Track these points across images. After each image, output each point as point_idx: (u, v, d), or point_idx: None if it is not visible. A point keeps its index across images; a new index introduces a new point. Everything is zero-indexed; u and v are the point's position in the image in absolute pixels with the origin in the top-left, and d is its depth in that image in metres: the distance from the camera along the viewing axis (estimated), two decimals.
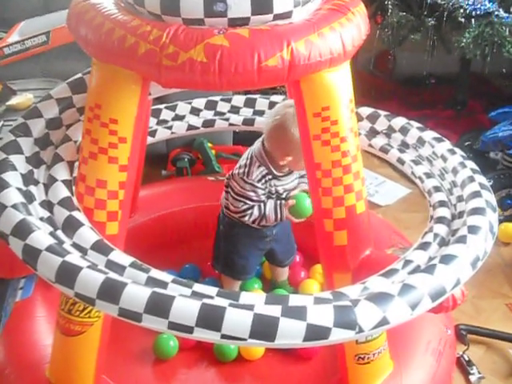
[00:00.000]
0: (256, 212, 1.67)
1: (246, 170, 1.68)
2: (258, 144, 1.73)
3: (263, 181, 1.67)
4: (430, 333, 1.62)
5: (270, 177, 1.68)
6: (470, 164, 1.55)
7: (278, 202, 1.69)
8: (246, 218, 1.68)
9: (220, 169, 2.58)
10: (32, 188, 1.31)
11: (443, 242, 1.34)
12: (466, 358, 1.79)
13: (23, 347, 1.60)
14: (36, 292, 1.76)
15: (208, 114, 2.12)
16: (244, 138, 2.79)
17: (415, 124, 1.77)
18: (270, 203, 1.69)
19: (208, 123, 2.11)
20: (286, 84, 1.68)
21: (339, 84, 1.27)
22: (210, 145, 2.66)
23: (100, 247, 1.20)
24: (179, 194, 2.23)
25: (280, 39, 1.16)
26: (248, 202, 1.67)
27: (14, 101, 2.30)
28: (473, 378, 1.74)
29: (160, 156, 2.64)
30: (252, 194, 1.67)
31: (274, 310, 1.02)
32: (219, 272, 1.90)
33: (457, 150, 1.63)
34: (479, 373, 1.75)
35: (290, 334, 1.01)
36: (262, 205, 1.68)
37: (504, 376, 1.77)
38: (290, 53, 1.15)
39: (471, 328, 1.88)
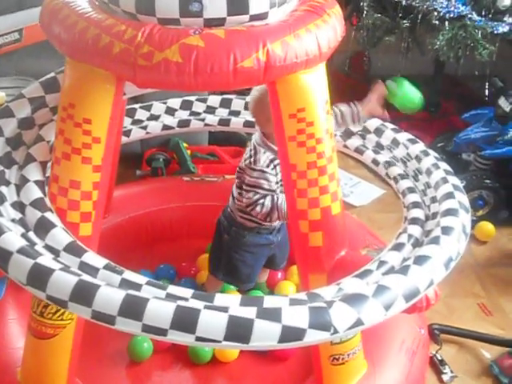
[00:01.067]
0: (268, 203, 1.61)
1: (252, 158, 1.65)
2: (256, 132, 1.70)
3: (271, 166, 1.63)
4: (404, 332, 1.63)
5: (277, 162, 1.62)
6: (444, 165, 1.57)
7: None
8: (258, 209, 1.62)
9: (195, 169, 2.58)
10: (3, 188, 1.29)
11: (417, 243, 1.35)
12: (439, 358, 1.81)
13: None
14: (7, 294, 1.73)
15: (183, 114, 2.11)
16: (219, 139, 2.79)
17: (390, 125, 1.79)
18: (283, 195, 1.63)
19: (183, 123, 2.10)
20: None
21: (315, 85, 1.27)
22: (185, 145, 2.65)
23: (73, 249, 1.19)
24: (154, 195, 2.21)
25: (256, 40, 1.15)
26: (260, 191, 1.63)
27: None
28: (445, 378, 1.76)
29: (134, 156, 2.62)
30: (263, 181, 1.62)
31: (249, 312, 1.02)
32: (221, 280, 1.86)
33: (430, 151, 1.65)
34: (452, 372, 1.77)
35: (265, 335, 1.00)
36: (274, 195, 1.63)
37: (476, 375, 1.80)
38: (266, 54, 1.15)
39: (444, 328, 1.90)
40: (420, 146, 1.67)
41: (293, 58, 1.18)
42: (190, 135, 2.64)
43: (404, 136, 1.74)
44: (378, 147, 1.77)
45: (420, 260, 1.21)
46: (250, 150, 1.68)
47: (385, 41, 2.84)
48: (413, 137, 1.73)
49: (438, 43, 2.50)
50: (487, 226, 2.38)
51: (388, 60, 3.25)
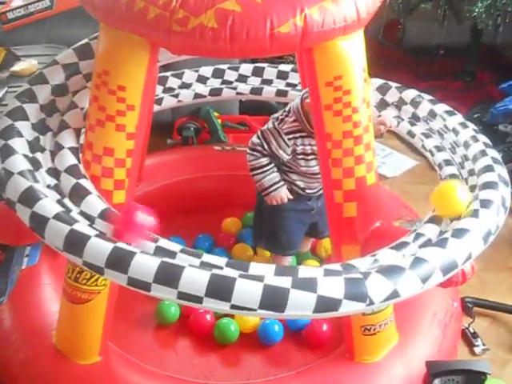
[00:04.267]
0: (264, 160, 1.66)
1: (281, 118, 1.66)
2: (297, 99, 1.68)
3: (291, 136, 1.63)
4: (436, 305, 1.62)
5: (301, 134, 1.64)
6: (483, 138, 1.53)
7: (281, 183, 1.68)
8: (248, 156, 1.68)
9: (226, 138, 2.56)
10: (38, 155, 1.30)
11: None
12: (471, 330, 1.79)
13: (29, 314, 1.60)
14: (42, 259, 1.76)
15: (215, 83, 2.09)
16: (250, 108, 2.77)
17: (427, 97, 1.74)
18: (277, 175, 1.68)
19: (215, 92, 2.08)
20: (297, 53, 1.67)
21: (352, 52, 1.24)
22: (216, 114, 2.63)
23: (108, 216, 1.19)
24: (185, 164, 2.22)
25: (293, 5, 1.12)
26: (265, 145, 1.65)
27: (17, 67, 2.25)
28: (477, 350, 1.74)
29: (165, 125, 2.61)
30: (273, 140, 1.64)
31: (284, 282, 1.01)
32: (264, 249, 1.88)
33: (469, 123, 1.61)
34: (484, 345, 1.76)
35: (300, 305, 1.00)
36: (270, 161, 1.67)
37: (509, 348, 1.78)
38: (304, 19, 1.12)
39: (477, 301, 1.88)
40: (458, 118, 1.63)
41: (331, 24, 1.15)
42: (220, 104, 2.61)
43: (441, 107, 1.68)
44: (414, 119, 1.73)
45: (458, 233, 1.18)
46: (283, 111, 1.68)
47: (420, 8, 2.76)
48: (450, 108, 1.68)
49: (477, 10, 2.43)
50: None
51: (423, 28, 3.18)
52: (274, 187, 1.69)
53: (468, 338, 1.78)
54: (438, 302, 1.63)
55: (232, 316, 1.70)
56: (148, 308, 1.77)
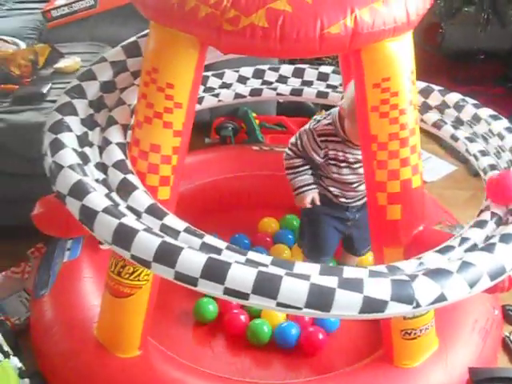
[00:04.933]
0: (298, 161, 1.69)
1: (318, 119, 1.68)
2: (337, 109, 1.69)
3: (323, 138, 1.63)
4: (477, 312, 1.61)
5: (333, 139, 1.64)
6: None
7: (311, 187, 1.69)
8: (285, 155, 1.71)
9: (263, 139, 2.57)
10: (87, 149, 1.32)
11: (500, 222, 1.31)
12: None
13: (71, 307, 1.64)
14: (82, 254, 1.79)
15: (255, 83, 2.09)
16: (288, 109, 2.77)
17: (470, 100, 1.72)
18: (309, 177, 1.69)
19: (255, 92, 2.08)
20: (340, 54, 1.66)
21: (401, 54, 1.24)
22: (253, 114, 2.64)
23: (154, 211, 1.20)
24: (224, 163, 2.23)
25: (344, 6, 1.12)
26: (299, 145, 1.67)
27: (61, 64, 2.30)
28: None
29: (204, 124, 2.63)
30: (307, 140, 1.65)
31: (331, 281, 1.01)
32: (303, 251, 1.88)
33: None
34: None
35: (346, 305, 1.00)
36: (306, 166, 1.69)
37: None
38: (354, 20, 1.12)
39: None
40: (504, 123, 1.60)
41: (381, 26, 1.15)
42: (258, 105, 2.63)
43: (486, 112, 1.66)
44: (458, 122, 1.71)
45: (506, 238, 1.17)
46: (325, 114, 1.69)
47: (463, 12, 2.74)
48: (495, 113, 1.66)
49: None
50: None
51: (464, 32, 3.14)
52: (303, 189, 1.69)
53: (508, 347, 1.75)
54: (479, 309, 1.62)
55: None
56: (186, 305, 1.80)
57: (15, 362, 1.54)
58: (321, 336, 1.69)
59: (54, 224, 1.31)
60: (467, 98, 1.73)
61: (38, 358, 1.62)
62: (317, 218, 1.76)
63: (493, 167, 1.52)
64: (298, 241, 1.91)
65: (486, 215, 1.32)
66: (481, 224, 1.29)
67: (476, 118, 1.67)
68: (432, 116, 1.76)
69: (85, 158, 1.28)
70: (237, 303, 1.72)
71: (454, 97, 1.74)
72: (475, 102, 1.71)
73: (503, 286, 1.20)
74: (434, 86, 1.78)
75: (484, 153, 1.58)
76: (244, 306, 1.76)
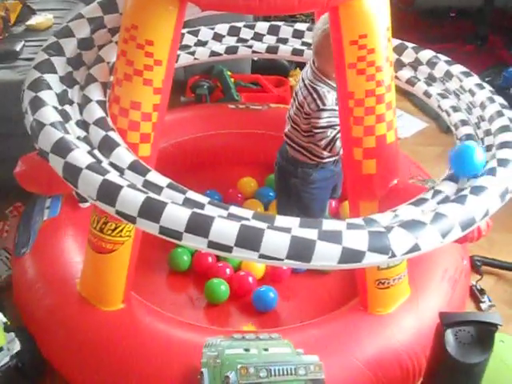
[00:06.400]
0: None
1: (318, 101, 1.66)
2: (308, 74, 1.69)
3: (336, 102, 1.60)
4: (447, 262, 1.67)
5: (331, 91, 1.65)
6: (499, 99, 1.55)
7: None
8: (338, 144, 1.65)
9: (239, 97, 2.58)
10: (67, 107, 1.32)
11: None
12: (479, 287, 1.85)
13: (53, 263, 1.66)
14: (62, 212, 1.80)
15: (231, 41, 2.07)
16: (262, 67, 2.78)
17: (443, 57, 1.75)
18: None
19: (231, 50, 2.06)
20: (317, 11, 1.67)
21: (378, 11, 1.26)
22: (229, 73, 2.64)
23: (136, 167, 1.22)
24: (200, 121, 2.24)
25: None
26: (336, 127, 1.65)
27: (33, 21, 2.26)
28: (483, 306, 1.81)
29: (179, 82, 2.60)
30: (335, 119, 1.62)
31: (311, 233, 1.05)
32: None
33: (485, 84, 1.62)
34: (490, 301, 1.82)
35: (326, 256, 1.04)
36: None
37: None
38: None
39: (485, 259, 1.94)
40: (474, 79, 1.64)
41: None
42: (233, 63, 2.62)
43: (458, 68, 1.69)
44: (430, 79, 1.74)
45: (476, 190, 1.22)
46: (309, 94, 1.68)
47: None
48: (467, 70, 1.69)
49: None
50: None
51: None
52: None
53: (475, 295, 1.84)
54: (449, 260, 1.69)
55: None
56: (160, 255, 1.86)
57: (0, 317, 1.56)
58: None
59: (36, 181, 1.32)
60: (440, 55, 1.75)
61: (23, 313, 1.64)
62: (316, 186, 1.81)
63: (464, 122, 1.56)
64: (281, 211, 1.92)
65: None
66: (452, 177, 1.34)
67: (448, 75, 1.70)
68: (406, 73, 1.79)
69: (65, 116, 1.29)
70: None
71: (427, 54, 1.76)
72: (447, 59, 1.75)
73: (472, 236, 1.26)
74: (407, 44, 1.80)
75: (455, 109, 1.62)
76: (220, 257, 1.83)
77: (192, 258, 1.87)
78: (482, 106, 1.55)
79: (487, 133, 1.47)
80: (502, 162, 1.29)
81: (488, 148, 1.40)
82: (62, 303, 1.55)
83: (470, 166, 1.28)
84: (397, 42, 1.81)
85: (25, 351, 1.53)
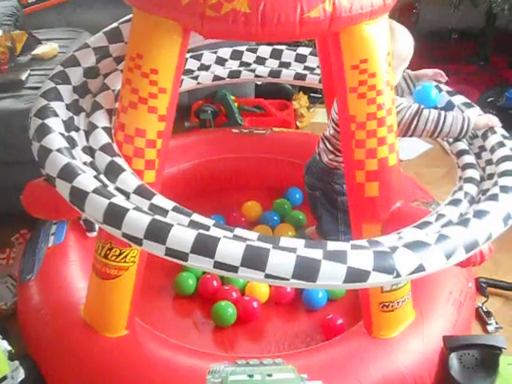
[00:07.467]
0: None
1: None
2: None
3: None
4: (451, 285, 1.67)
5: None
6: (501, 130, 1.57)
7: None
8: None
9: (242, 121, 2.61)
10: (73, 134, 1.34)
11: (473, 201, 1.38)
12: (485, 309, 1.84)
13: (57, 290, 1.66)
14: (67, 238, 1.81)
15: (234, 65, 2.11)
16: (266, 91, 2.81)
17: (445, 87, 1.77)
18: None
19: (234, 74, 2.10)
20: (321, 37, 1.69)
21: (378, 36, 1.28)
22: (232, 97, 2.67)
23: (142, 191, 1.24)
24: (204, 146, 2.26)
25: None
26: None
27: (39, 50, 2.30)
28: (490, 328, 1.79)
29: (182, 107, 2.64)
30: None
31: (316, 253, 1.06)
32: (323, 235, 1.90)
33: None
34: (497, 323, 1.81)
35: (331, 275, 1.05)
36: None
37: None
38: (332, 4, 1.16)
39: (491, 281, 1.93)
40: (476, 110, 1.66)
41: (358, 9, 1.19)
42: (236, 87, 2.66)
43: (459, 99, 1.72)
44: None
45: (479, 214, 1.24)
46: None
47: None
48: (468, 100, 1.71)
49: None
50: None
51: (437, 12, 3.20)
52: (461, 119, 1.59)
53: (481, 317, 1.83)
54: (454, 282, 1.68)
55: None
56: (165, 281, 1.86)
57: (5, 345, 1.56)
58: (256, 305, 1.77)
59: (43, 207, 1.33)
60: (441, 86, 1.77)
61: (27, 341, 1.64)
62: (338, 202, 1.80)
63: (465, 152, 1.59)
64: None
65: (460, 195, 1.40)
66: (455, 202, 1.36)
67: (450, 106, 1.71)
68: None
69: (72, 142, 1.31)
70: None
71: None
72: (449, 89, 1.76)
73: (475, 259, 1.27)
74: (408, 71, 1.82)
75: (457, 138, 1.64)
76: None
77: (197, 282, 1.87)
78: (484, 137, 1.57)
79: (489, 162, 1.50)
80: (504, 189, 1.33)
81: (489, 176, 1.44)
82: (66, 330, 1.55)
83: (427, 99, 1.59)
84: None
85: (29, 380, 1.52)
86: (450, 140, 1.66)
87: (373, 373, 1.45)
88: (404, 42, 1.60)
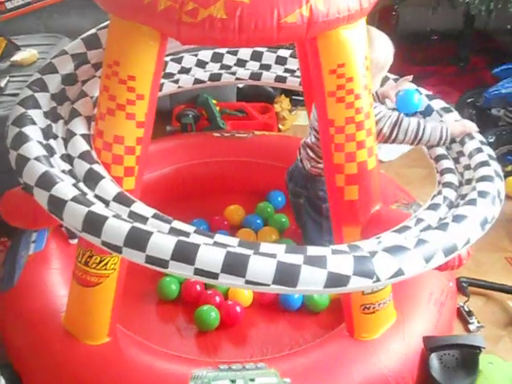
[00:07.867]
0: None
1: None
2: None
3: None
4: (432, 285, 1.68)
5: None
6: (478, 136, 1.58)
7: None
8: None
9: (224, 125, 2.60)
10: (51, 142, 1.33)
11: (452, 205, 1.40)
12: (466, 309, 1.85)
13: (38, 298, 1.65)
14: (48, 245, 1.80)
15: (214, 67, 2.09)
16: (248, 95, 2.81)
17: (424, 91, 1.77)
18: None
19: (214, 77, 2.09)
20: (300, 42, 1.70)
21: (355, 41, 1.29)
22: (214, 101, 2.66)
23: (121, 199, 1.23)
24: (186, 150, 2.25)
25: None
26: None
27: (18, 56, 2.28)
28: (472, 327, 1.81)
29: (164, 112, 2.64)
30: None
31: (296, 258, 1.07)
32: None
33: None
34: (478, 322, 1.82)
35: (312, 280, 1.05)
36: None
37: (503, 325, 1.85)
38: (309, 9, 1.16)
39: (472, 281, 1.94)
40: (454, 115, 1.67)
41: (335, 14, 1.20)
42: (218, 91, 2.65)
43: (438, 104, 1.72)
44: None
45: (458, 218, 1.25)
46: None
47: None
48: (447, 105, 1.72)
49: None
50: None
51: (417, 14, 3.22)
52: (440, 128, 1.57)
53: (463, 316, 1.84)
54: (434, 283, 1.70)
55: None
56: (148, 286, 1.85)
57: None
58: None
59: (21, 216, 1.33)
60: (421, 89, 1.77)
61: (8, 349, 1.62)
62: (323, 206, 1.76)
63: (443, 156, 1.60)
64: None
65: (439, 199, 1.41)
66: (434, 207, 1.37)
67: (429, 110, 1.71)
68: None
69: (50, 150, 1.30)
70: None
71: (408, 86, 1.77)
72: (428, 92, 1.76)
73: (453, 264, 1.28)
74: (388, 75, 1.82)
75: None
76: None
77: (180, 286, 1.87)
78: (462, 142, 1.58)
79: (467, 167, 1.51)
80: (482, 194, 1.35)
81: (468, 182, 1.45)
82: (47, 338, 1.54)
83: (410, 105, 1.61)
84: None
85: None
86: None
87: (355, 375, 1.46)
88: (382, 49, 1.58)
